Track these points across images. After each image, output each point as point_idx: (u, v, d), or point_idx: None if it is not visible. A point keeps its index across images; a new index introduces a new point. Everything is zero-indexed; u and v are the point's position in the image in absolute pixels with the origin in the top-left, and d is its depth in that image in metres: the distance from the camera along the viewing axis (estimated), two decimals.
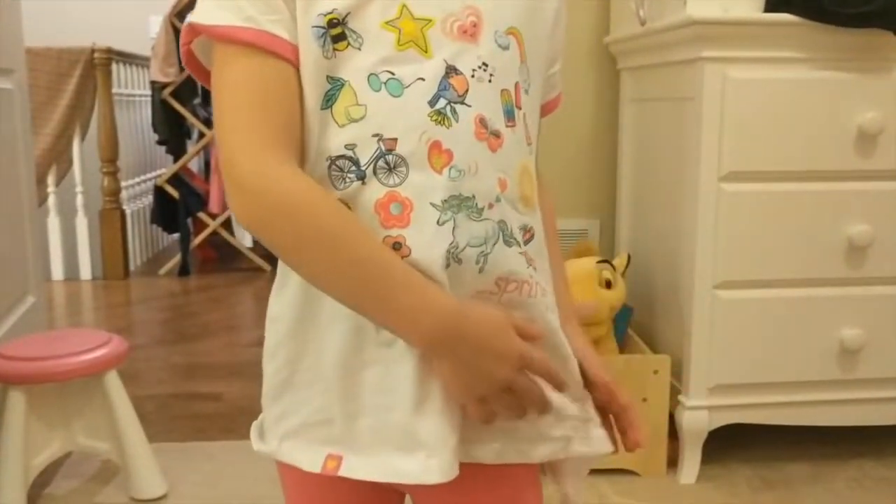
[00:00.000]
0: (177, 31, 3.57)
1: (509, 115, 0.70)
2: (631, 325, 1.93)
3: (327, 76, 0.66)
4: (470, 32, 0.68)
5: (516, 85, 0.71)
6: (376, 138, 0.65)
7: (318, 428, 0.71)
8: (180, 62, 3.64)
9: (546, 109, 0.83)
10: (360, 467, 0.69)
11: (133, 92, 4.16)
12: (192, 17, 0.67)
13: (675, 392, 1.75)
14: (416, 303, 0.63)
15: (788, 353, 1.71)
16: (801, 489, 1.73)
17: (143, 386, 2.36)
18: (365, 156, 0.65)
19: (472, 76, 0.67)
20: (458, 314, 0.64)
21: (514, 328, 0.66)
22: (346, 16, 0.65)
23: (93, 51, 3.57)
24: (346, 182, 0.66)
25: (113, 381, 1.67)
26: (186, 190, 3.87)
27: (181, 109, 3.77)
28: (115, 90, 3.74)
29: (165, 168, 4.05)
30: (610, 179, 2.17)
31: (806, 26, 1.58)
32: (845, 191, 1.67)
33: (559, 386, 0.69)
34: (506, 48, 0.70)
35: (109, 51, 3.63)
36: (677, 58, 1.72)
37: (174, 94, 3.74)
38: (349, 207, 0.66)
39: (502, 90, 0.69)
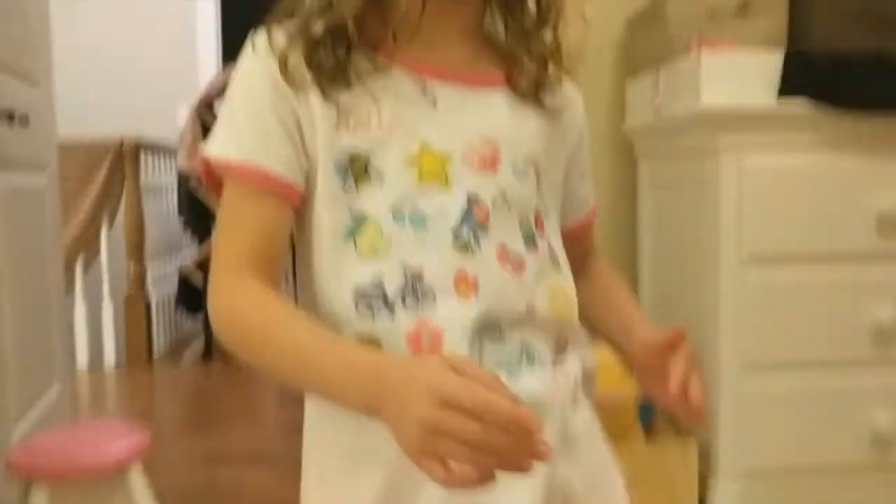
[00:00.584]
0: (202, 124, 3.67)
1: (529, 242, 0.71)
2: (657, 411, 1.90)
3: (349, 207, 0.68)
4: (490, 164, 0.70)
5: (536, 212, 0.73)
6: (402, 270, 0.67)
7: None
8: None
9: (584, 227, 0.85)
10: None
11: (160, 180, 4.26)
12: (205, 146, 0.71)
13: (704, 478, 1.72)
14: (340, 369, 0.62)
15: (820, 438, 1.68)
16: None
17: (166, 475, 2.34)
18: (392, 287, 0.67)
19: (493, 205, 0.69)
20: (378, 363, 0.61)
21: (448, 366, 0.57)
22: (367, 153, 0.68)
23: (122, 142, 3.68)
24: (374, 313, 0.67)
25: (136, 476, 1.66)
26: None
27: (206, 200, 3.84)
28: (142, 179, 3.83)
29: (190, 249, 4.11)
30: (630, 266, 2.17)
31: (820, 112, 1.61)
32: (869, 272, 1.66)
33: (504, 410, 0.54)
34: (524, 176, 0.72)
35: (138, 142, 3.74)
36: (693, 145, 1.75)
37: (201, 183, 3.82)
38: (380, 340, 0.66)
39: (521, 217, 0.71)
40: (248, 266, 0.68)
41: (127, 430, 1.71)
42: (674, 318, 1.95)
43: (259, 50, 0.70)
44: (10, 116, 1.82)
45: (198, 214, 3.96)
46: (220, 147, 0.70)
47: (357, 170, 0.68)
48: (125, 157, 3.69)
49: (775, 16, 1.73)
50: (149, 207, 3.94)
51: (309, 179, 0.70)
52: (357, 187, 0.68)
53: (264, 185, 0.68)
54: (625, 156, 2.16)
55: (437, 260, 0.67)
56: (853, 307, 1.66)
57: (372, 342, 0.67)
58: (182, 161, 3.79)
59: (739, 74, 1.63)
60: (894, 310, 1.65)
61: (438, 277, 0.67)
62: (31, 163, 2.16)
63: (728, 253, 1.64)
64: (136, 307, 3.79)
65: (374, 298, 0.67)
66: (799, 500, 1.70)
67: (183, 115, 3.95)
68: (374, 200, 0.68)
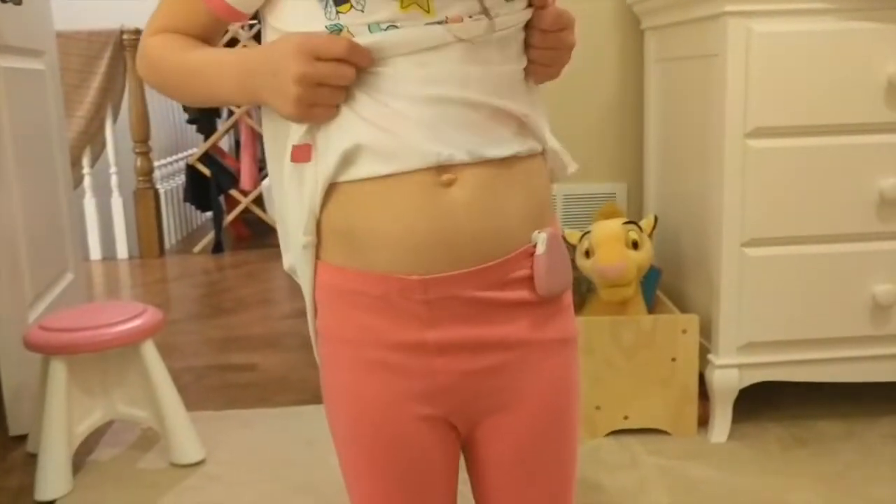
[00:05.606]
0: None
1: None
2: (660, 287, 1.92)
3: (325, 26, 0.67)
4: None
5: None
6: None
7: None
8: None
9: None
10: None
11: None
12: None
13: (704, 351, 1.75)
14: (217, 68, 0.74)
15: (819, 310, 1.70)
16: (833, 446, 1.72)
17: (180, 358, 2.41)
18: None
19: (470, 17, 0.67)
20: (244, 54, 0.73)
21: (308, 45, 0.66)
22: None
23: (122, 32, 3.62)
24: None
25: (150, 350, 1.71)
26: (218, 168, 3.92)
27: None
28: None
29: (197, 147, 4.11)
30: (637, 142, 2.15)
31: None
32: (875, 144, 1.64)
33: (358, 60, 0.66)
34: None
35: (138, 32, 3.67)
36: (700, 14, 1.70)
37: None
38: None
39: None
40: (163, 30, 0.78)
41: (139, 309, 1.75)
42: (680, 193, 1.95)
43: None
44: None
45: (202, 109, 3.92)
46: None
47: None
48: (126, 48, 3.63)
49: None
50: (154, 104, 3.91)
51: None
52: (338, 15, 0.66)
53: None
54: (631, 30, 2.10)
55: None
56: (858, 179, 1.65)
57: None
58: None
59: None
60: None
61: None
62: (28, 49, 2.13)
63: (733, 125, 1.62)
64: (145, 201, 3.81)
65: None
66: (797, 372, 1.74)
67: None
68: (353, 22, 0.66)
